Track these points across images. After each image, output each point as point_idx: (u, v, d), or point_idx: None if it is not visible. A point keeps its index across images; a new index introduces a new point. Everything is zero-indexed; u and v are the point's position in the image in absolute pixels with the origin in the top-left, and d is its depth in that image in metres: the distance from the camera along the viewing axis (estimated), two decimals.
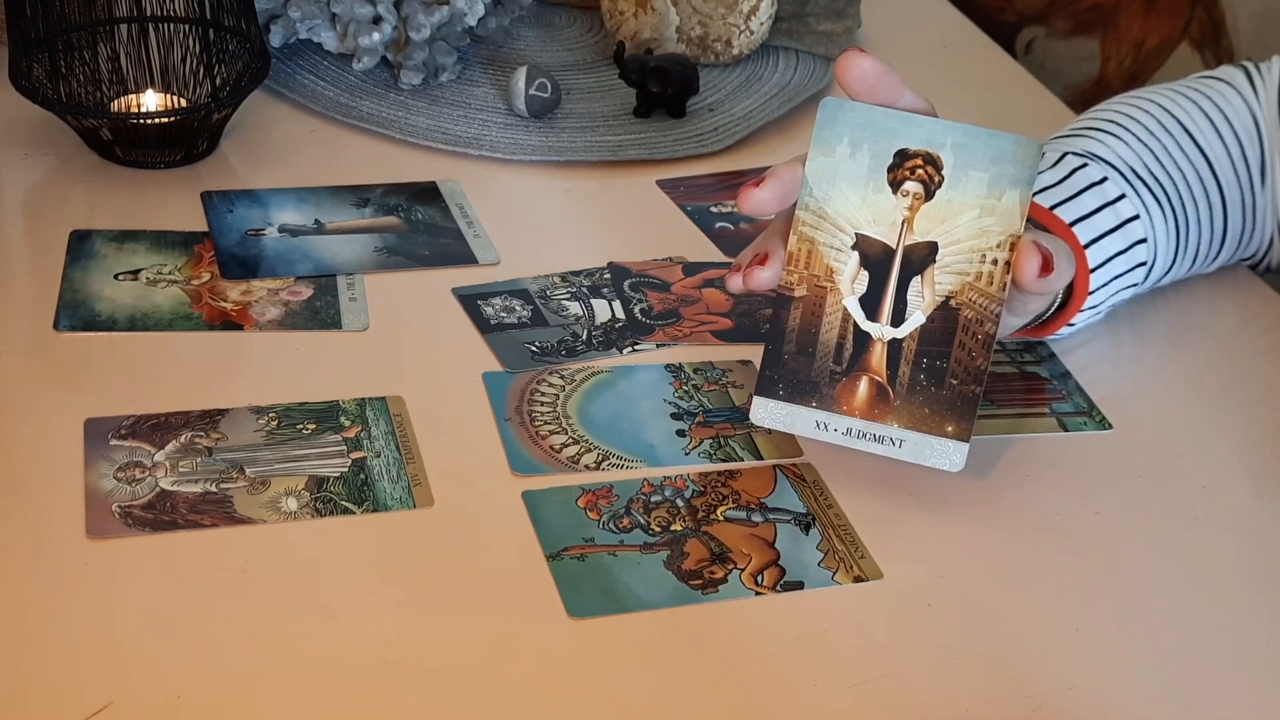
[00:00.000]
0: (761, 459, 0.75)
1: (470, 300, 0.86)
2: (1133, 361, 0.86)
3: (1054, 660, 0.65)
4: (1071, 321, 0.81)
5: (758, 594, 0.68)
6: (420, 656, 0.63)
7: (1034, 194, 0.79)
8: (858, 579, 0.69)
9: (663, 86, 1.04)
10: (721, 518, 0.72)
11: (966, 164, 0.70)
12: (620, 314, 0.85)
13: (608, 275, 0.89)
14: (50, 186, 0.94)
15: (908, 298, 0.71)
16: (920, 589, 0.69)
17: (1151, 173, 0.83)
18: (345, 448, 0.74)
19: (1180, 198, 0.84)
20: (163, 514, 0.69)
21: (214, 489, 0.70)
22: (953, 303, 0.70)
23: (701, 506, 0.72)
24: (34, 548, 0.67)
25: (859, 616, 0.67)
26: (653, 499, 0.72)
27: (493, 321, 0.84)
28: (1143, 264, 0.82)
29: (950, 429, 0.70)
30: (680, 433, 0.77)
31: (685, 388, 0.80)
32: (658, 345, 0.83)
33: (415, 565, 0.68)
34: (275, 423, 0.75)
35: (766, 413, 0.72)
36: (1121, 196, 0.81)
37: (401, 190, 0.96)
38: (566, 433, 0.76)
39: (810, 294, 0.71)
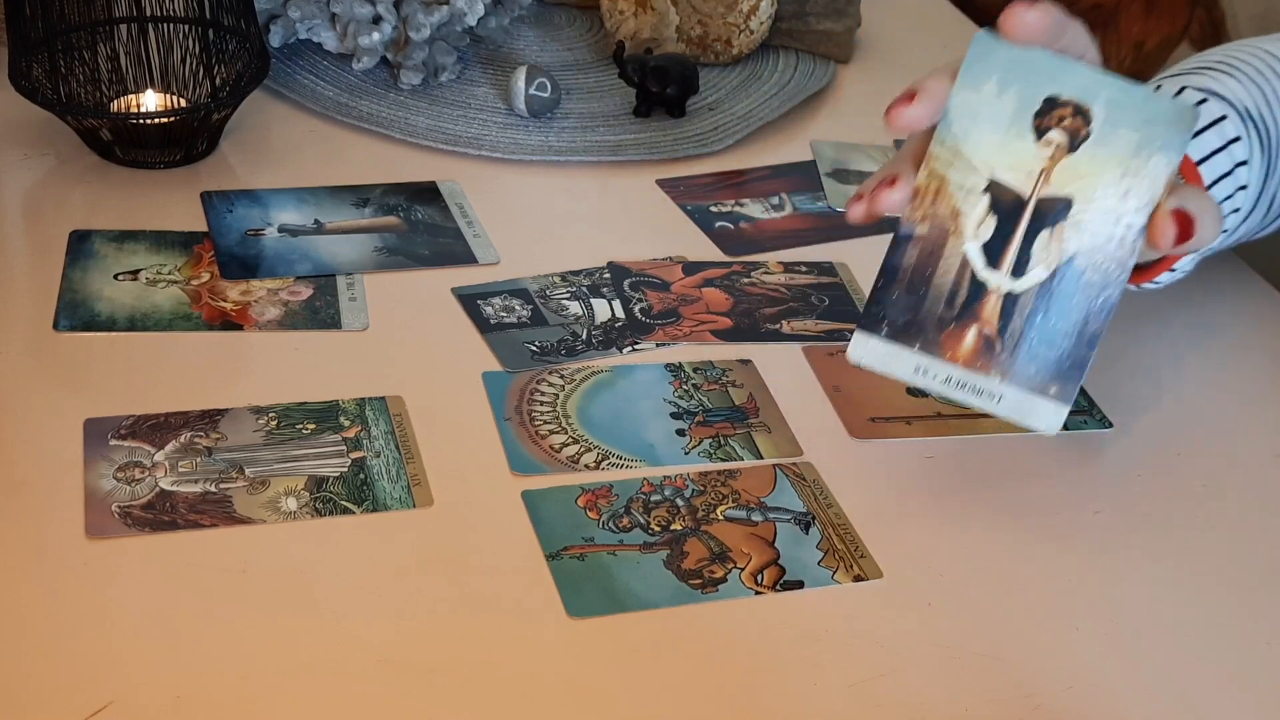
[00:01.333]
0: (761, 459, 0.75)
1: (470, 300, 0.86)
2: (1133, 360, 0.86)
3: (1054, 660, 0.65)
4: (1174, 267, 0.78)
5: (757, 593, 0.68)
6: (420, 656, 0.63)
7: None
8: (858, 578, 0.69)
9: (662, 86, 1.04)
10: (721, 517, 0.72)
11: (1118, 121, 0.66)
12: (620, 313, 0.85)
13: (607, 275, 0.89)
14: (50, 186, 0.94)
15: (1032, 250, 0.67)
16: (920, 589, 0.69)
17: (1261, 114, 0.81)
18: (345, 447, 0.74)
19: (1276, 145, 0.82)
20: (162, 514, 0.69)
21: (214, 489, 0.70)
22: (1078, 262, 0.67)
23: (701, 506, 0.72)
24: (34, 548, 0.67)
25: (859, 616, 0.67)
26: (652, 498, 0.72)
27: (492, 321, 0.84)
28: (1237, 210, 0.80)
29: (1054, 390, 0.67)
30: (680, 432, 0.77)
31: (685, 387, 0.80)
32: (657, 345, 0.83)
33: (415, 565, 0.68)
34: (275, 423, 0.75)
35: (865, 350, 0.68)
36: (1237, 139, 0.78)
37: (401, 190, 0.96)
38: (566, 432, 0.76)
39: (931, 233, 0.68)
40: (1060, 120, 0.66)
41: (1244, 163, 0.79)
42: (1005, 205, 0.67)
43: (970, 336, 0.68)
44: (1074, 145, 0.67)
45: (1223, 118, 0.79)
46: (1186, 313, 0.89)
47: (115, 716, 0.59)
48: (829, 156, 1.03)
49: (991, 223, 0.67)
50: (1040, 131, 0.67)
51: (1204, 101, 0.80)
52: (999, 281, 0.67)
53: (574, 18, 1.18)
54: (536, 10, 1.18)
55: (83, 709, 0.59)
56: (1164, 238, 0.65)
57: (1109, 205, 0.67)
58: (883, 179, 0.68)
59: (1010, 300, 0.67)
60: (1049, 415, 0.67)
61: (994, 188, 0.67)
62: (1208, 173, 0.77)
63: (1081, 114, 0.66)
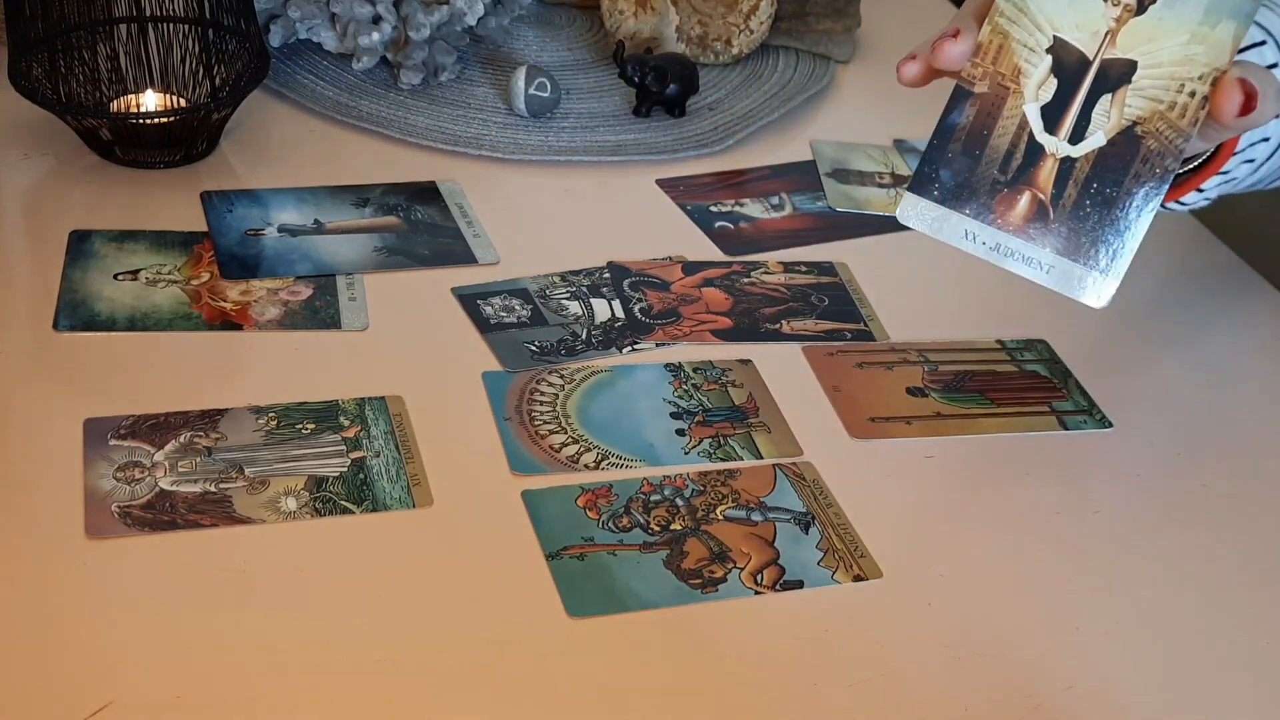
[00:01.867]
0: (761, 458, 0.75)
1: (470, 300, 0.86)
2: (1133, 360, 0.86)
3: (1054, 660, 0.65)
4: (1202, 187, 0.77)
5: (757, 593, 0.68)
6: (420, 656, 0.63)
7: None
8: (857, 578, 0.69)
9: (662, 86, 1.04)
10: (721, 517, 0.72)
11: None
12: (620, 313, 0.85)
13: (607, 275, 0.89)
14: (50, 186, 0.94)
15: (1093, 115, 0.66)
16: (920, 589, 0.69)
17: None
18: (344, 447, 0.74)
19: None
20: (162, 514, 0.69)
21: (213, 489, 0.70)
22: (1138, 130, 0.65)
23: (701, 506, 0.72)
24: (34, 548, 0.67)
25: (859, 616, 0.67)
26: (652, 498, 0.72)
27: (492, 321, 0.84)
28: (1266, 139, 0.79)
29: (1104, 263, 0.66)
30: (680, 432, 0.77)
31: (685, 387, 0.80)
32: (657, 344, 0.83)
33: (415, 565, 0.68)
34: (274, 422, 0.75)
35: (916, 212, 0.67)
36: (1275, 65, 0.78)
37: (401, 190, 0.96)
38: (566, 432, 0.76)
39: (991, 92, 0.66)
40: None
41: None
42: (1068, 67, 0.66)
43: (1023, 202, 0.66)
44: (1142, 7, 0.65)
45: (1262, 42, 0.78)
46: (1187, 312, 0.89)
47: (115, 716, 0.59)
48: (829, 156, 1.03)
49: (1053, 84, 0.66)
50: None
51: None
52: (1056, 146, 0.66)
53: (574, 18, 1.18)
54: (536, 10, 1.18)
55: (83, 709, 0.59)
56: (1229, 105, 0.64)
57: (1174, 71, 0.65)
58: (944, 32, 0.66)
59: (1066, 166, 0.66)
60: (1098, 288, 0.66)
61: (1058, 47, 0.66)
62: None
63: None
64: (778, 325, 0.85)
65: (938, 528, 0.72)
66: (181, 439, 0.73)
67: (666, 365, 0.82)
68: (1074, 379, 0.83)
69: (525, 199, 0.96)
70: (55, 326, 0.81)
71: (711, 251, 0.92)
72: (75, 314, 0.82)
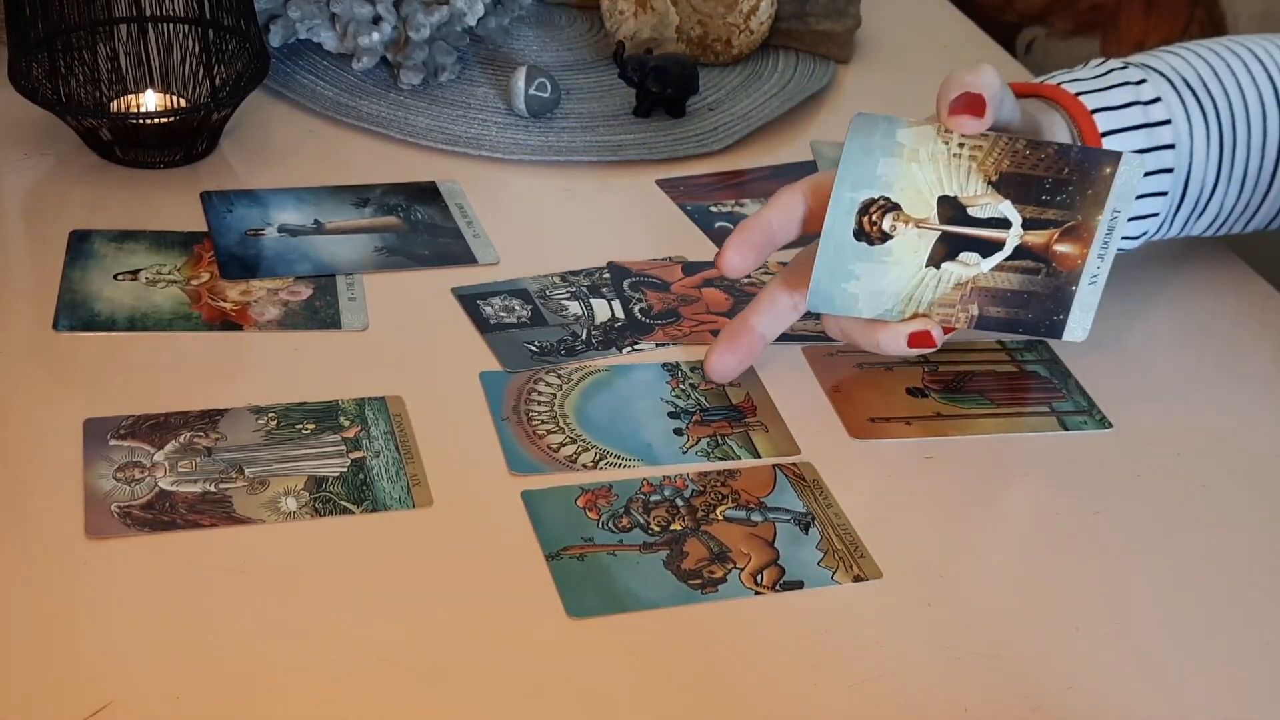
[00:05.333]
0: (759, 457, 0.75)
1: (470, 300, 0.86)
2: (1133, 360, 0.86)
3: (1054, 660, 0.65)
4: None
5: (757, 593, 0.68)
6: (420, 656, 0.63)
7: (1070, 88, 0.80)
8: (857, 578, 0.69)
9: (662, 86, 1.04)
10: (721, 517, 0.72)
11: (845, 182, 0.72)
12: (620, 314, 0.85)
13: (607, 275, 0.89)
14: (50, 186, 0.94)
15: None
16: (920, 589, 0.69)
17: (1204, 83, 0.81)
18: (344, 447, 0.74)
19: (1231, 115, 0.81)
20: (162, 514, 0.69)
21: (213, 489, 0.70)
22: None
23: (701, 506, 0.72)
24: (33, 548, 0.67)
25: (859, 616, 0.67)
26: (652, 499, 0.72)
27: (492, 321, 0.84)
28: (1168, 170, 0.79)
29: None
30: (677, 431, 0.77)
31: (682, 386, 0.80)
32: (657, 345, 0.83)
33: (415, 565, 0.68)
34: (274, 423, 0.75)
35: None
36: (1156, 100, 0.79)
37: (401, 190, 0.96)
38: (564, 432, 0.76)
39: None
40: (883, 213, 0.73)
41: (1166, 122, 0.79)
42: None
43: None
44: (894, 210, 0.73)
45: (1142, 81, 0.79)
46: (1186, 313, 0.89)
47: (115, 716, 0.59)
48: (829, 156, 1.03)
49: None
50: (873, 237, 0.74)
51: (1125, 68, 0.81)
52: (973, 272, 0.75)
53: (574, 18, 1.18)
54: (536, 10, 1.18)
55: (83, 709, 0.59)
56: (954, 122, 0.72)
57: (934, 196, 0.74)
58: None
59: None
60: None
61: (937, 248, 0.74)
62: (1107, 120, 0.78)
63: (885, 201, 0.73)
64: None
65: (938, 528, 0.72)
66: (181, 439, 0.73)
67: (664, 364, 0.82)
68: (1074, 379, 0.83)
69: (525, 199, 0.96)
70: (55, 326, 0.81)
71: (711, 251, 0.92)
72: (75, 314, 0.82)
